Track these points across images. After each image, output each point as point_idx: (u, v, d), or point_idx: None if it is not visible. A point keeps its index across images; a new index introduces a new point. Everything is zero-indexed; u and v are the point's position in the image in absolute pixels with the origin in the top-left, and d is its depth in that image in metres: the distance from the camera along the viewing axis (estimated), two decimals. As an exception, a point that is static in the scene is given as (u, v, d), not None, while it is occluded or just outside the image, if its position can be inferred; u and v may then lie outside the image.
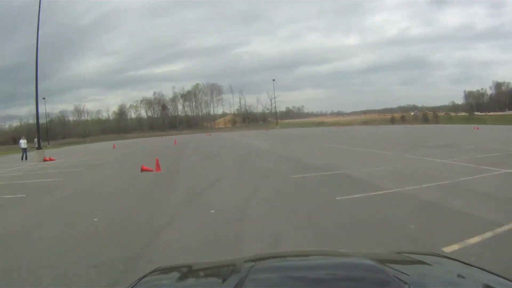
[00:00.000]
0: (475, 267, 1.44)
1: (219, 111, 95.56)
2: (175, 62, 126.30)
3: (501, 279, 1.27)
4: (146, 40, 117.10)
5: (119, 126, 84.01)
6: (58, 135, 74.48)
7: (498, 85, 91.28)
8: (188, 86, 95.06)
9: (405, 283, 1.12)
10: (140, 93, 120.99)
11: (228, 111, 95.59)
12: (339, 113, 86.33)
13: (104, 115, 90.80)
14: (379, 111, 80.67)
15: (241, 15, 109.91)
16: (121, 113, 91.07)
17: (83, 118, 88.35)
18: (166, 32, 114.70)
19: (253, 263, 1.36)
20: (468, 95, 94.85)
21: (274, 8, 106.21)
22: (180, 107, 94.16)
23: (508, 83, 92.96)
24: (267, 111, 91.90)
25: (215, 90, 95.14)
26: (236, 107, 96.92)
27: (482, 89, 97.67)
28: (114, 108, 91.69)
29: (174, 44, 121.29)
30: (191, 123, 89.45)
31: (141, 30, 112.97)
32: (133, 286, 1.38)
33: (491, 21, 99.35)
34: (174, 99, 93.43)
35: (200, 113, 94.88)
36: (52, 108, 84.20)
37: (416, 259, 1.54)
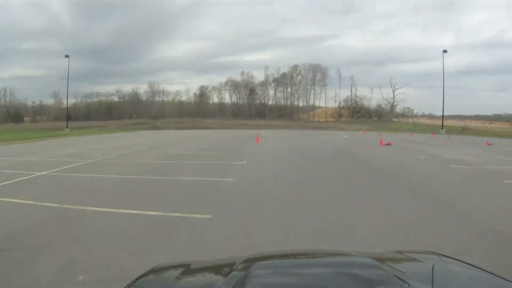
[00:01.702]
0: (474, 266, 1.42)
1: (320, 101, 78.58)
2: (265, 51, 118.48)
3: (500, 279, 1.28)
4: (238, 26, 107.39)
5: (198, 110, 74.46)
6: (124, 114, 70.12)
7: None
8: (283, 68, 79.23)
9: (405, 282, 1.14)
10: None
11: (332, 103, 79.00)
12: (430, 116, 73.77)
13: (183, 97, 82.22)
14: (472, 117, 71.95)
15: (336, 6, 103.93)
16: (202, 95, 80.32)
17: (159, 98, 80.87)
18: (259, 19, 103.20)
19: (253, 262, 1.35)
20: None
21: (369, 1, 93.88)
22: (271, 92, 79.48)
23: None
24: (387, 106, 72.95)
25: (318, 72, 76.66)
26: (343, 97, 79.04)
27: None
28: (196, 90, 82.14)
29: (265, 32, 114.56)
30: (284, 113, 75.41)
31: (234, 16, 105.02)
32: (131, 285, 1.38)
33: None
34: (265, 83, 78.63)
35: (296, 102, 79.12)
36: (138, 88, 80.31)
37: (416, 258, 1.57)
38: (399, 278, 1.15)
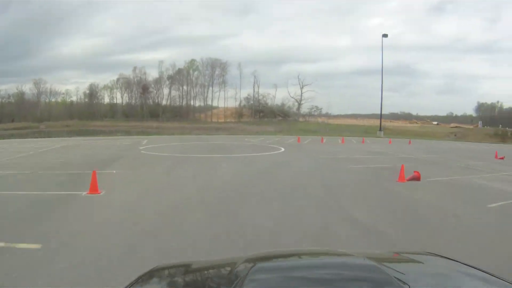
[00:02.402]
0: (473, 267, 1.44)
1: (219, 101, 74.56)
2: (163, 49, 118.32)
3: (498, 279, 1.29)
4: (135, 23, 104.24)
5: (88, 111, 67.66)
6: (5, 117, 60.73)
7: None
8: (179, 64, 73.53)
9: (405, 283, 1.14)
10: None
11: (232, 102, 75.19)
12: (327, 115, 74.93)
13: (73, 97, 74.17)
14: (367, 116, 75.70)
15: (236, 5, 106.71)
16: (92, 95, 72.26)
17: (46, 99, 71.25)
18: (157, 17, 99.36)
19: (253, 263, 1.35)
20: (480, 107, 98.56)
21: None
22: (166, 91, 73.69)
23: None
24: (294, 104, 71.62)
25: (217, 68, 72.02)
26: (245, 95, 75.40)
27: (498, 102, 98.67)
28: (86, 89, 73.70)
29: (163, 30, 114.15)
30: (179, 113, 70.57)
31: (132, 12, 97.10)
32: (131, 285, 1.38)
33: (485, 35, 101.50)
34: (159, 80, 72.46)
35: (193, 101, 74.42)
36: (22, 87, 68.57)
37: (415, 259, 1.60)
38: (399, 279, 1.16)
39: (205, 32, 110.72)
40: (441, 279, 1.36)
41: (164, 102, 73.02)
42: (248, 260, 1.41)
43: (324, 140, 29.22)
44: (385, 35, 43.80)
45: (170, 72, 71.65)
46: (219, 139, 30.05)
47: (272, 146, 21.98)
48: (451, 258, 1.60)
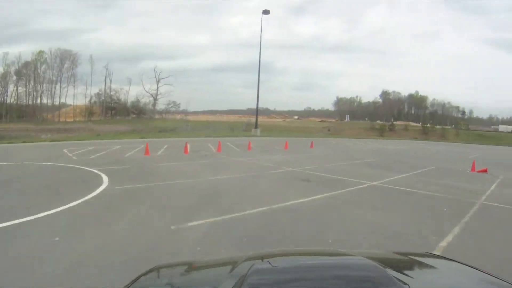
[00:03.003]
0: (472, 267, 1.45)
1: (68, 98, 69.30)
2: (18, 44, 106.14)
3: (497, 279, 1.30)
4: None
5: None
6: None
7: (384, 94, 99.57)
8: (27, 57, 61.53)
9: (405, 283, 1.15)
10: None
11: (82, 99, 67.88)
12: (184, 112, 74.90)
13: None
14: (226, 112, 77.15)
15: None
16: None
17: None
18: (13, 9, 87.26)
19: (253, 262, 1.34)
20: (339, 101, 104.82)
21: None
22: (12, 88, 61.98)
23: (398, 92, 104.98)
24: (150, 100, 65.10)
25: (67, 60, 63.07)
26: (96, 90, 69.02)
27: (357, 96, 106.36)
28: None
29: (19, 24, 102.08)
30: (25, 113, 60.73)
31: None
32: (130, 285, 1.38)
33: (342, 35, 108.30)
34: (5, 75, 59.95)
35: (40, 99, 63.50)
36: None
37: (414, 259, 1.60)
38: (399, 279, 1.16)
39: (64, 26, 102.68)
40: (441, 279, 1.38)
41: (10, 101, 61.33)
42: (248, 260, 1.41)
43: (189, 149, 16.79)
44: (266, 12, 36.20)
45: (17, 66, 60.33)
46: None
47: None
48: (451, 258, 1.62)
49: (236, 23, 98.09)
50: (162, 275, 1.54)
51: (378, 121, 69.24)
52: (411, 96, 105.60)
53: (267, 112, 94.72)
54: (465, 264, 1.50)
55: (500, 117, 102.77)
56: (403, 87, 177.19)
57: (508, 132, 67.38)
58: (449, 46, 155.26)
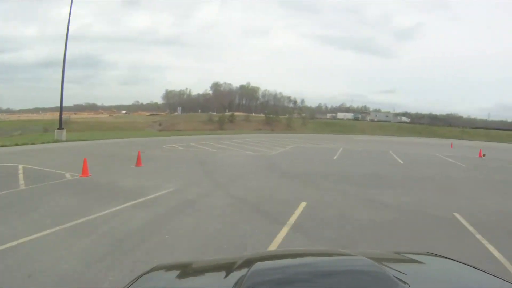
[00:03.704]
0: (472, 267, 1.45)
1: None
2: None
3: (498, 279, 1.30)
4: None
5: None
6: None
7: (215, 85, 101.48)
8: None
9: (405, 283, 1.14)
10: None
11: None
12: (8, 111, 67.09)
13: None
14: (51, 110, 70.88)
15: None
16: None
17: None
18: None
19: (253, 262, 1.32)
20: (168, 94, 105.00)
21: None
22: None
23: (230, 84, 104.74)
24: None
25: None
26: None
27: (186, 89, 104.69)
28: None
29: None
30: None
31: None
32: (130, 285, 1.37)
33: (172, 29, 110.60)
34: None
35: None
36: None
37: (415, 259, 1.59)
38: (399, 279, 1.15)
39: None
40: (441, 279, 1.35)
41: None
42: (248, 260, 1.40)
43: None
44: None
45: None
46: None
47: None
48: (451, 258, 1.60)
49: (65, 15, 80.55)
50: (162, 275, 1.51)
51: (212, 113, 65.62)
52: (242, 87, 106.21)
53: (95, 108, 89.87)
54: (465, 264, 1.49)
55: (329, 106, 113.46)
56: (235, 80, 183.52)
57: (349, 119, 75.95)
58: (281, 41, 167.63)
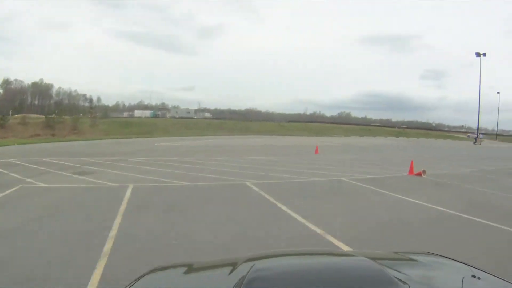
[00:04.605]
0: (472, 267, 1.44)
1: None
2: None
3: (498, 279, 1.30)
4: None
5: None
6: None
7: (5, 83, 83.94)
8: None
9: (405, 283, 1.13)
10: None
11: None
12: None
13: None
14: None
15: None
16: None
17: None
18: None
19: (253, 263, 1.33)
20: None
21: None
22: None
23: (21, 81, 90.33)
24: None
25: None
26: None
27: None
28: None
29: None
30: None
31: None
32: (131, 285, 1.36)
33: None
34: None
35: None
36: None
37: (415, 259, 1.58)
38: (399, 279, 1.15)
39: None
40: (441, 279, 1.36)
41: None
42: (248, 260, 1.40)
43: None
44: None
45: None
46: None
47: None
48: (451, 258, 1.59)
49: None
50: (162, 276, 1.52)
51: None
52: (35, 84, 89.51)
53: None
54: (465, 264, 1.49)
55: (127, 104, 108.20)
56: (28, 76, 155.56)
57: (148, 117, 69.86)
58: (81, 37, 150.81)
